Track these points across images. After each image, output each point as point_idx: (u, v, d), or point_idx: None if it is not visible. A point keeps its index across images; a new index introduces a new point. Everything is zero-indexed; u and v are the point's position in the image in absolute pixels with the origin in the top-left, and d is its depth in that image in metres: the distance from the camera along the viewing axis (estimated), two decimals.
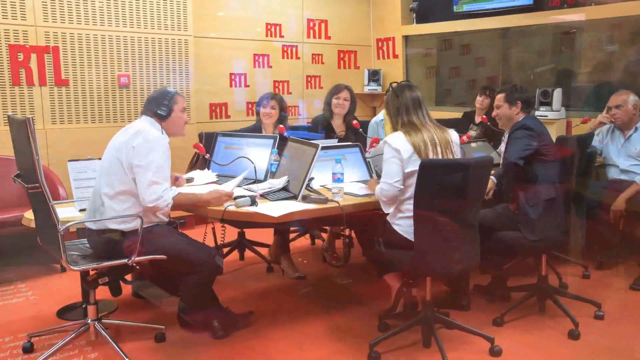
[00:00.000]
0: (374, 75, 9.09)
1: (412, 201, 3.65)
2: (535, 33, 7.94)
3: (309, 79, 8.66)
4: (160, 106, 4.04)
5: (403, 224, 3.81)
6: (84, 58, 6.44)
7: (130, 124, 4.07)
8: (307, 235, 6.55)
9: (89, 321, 4.07)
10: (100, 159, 4.08)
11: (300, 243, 6.47)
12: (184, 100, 4.16)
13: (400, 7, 8.94)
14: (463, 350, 4.01)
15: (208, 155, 4.91)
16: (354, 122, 5.82)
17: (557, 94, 6.84)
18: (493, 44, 8.60)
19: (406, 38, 9.08)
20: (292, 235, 6.30)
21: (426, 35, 9.06)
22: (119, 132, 4.05)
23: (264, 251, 5.85)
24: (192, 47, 7.23)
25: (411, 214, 3.65)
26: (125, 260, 3.79)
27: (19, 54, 6.01)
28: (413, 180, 3.64)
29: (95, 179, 4.14)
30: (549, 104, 6.87)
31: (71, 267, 3.75)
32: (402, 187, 3.75)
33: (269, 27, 8.15)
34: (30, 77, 6.10)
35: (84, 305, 4.36)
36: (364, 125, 6.05)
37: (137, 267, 3.94)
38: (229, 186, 4.18)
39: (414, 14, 8.91)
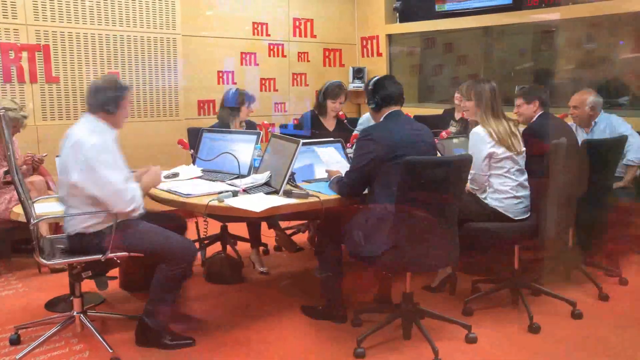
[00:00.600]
0: (359, 73, 9.34)
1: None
2: (516, 31, 8.20)
3: (295, 76, 8.92)
4: (109, 102, 3.97)
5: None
6: (74, 56, 6.69)
7: (69, 130, 4.02)
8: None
9: (74, 313, 4.20)
10: None
11: (298, 239, 6.57)
12: (132, 96, 4.17)
13: (384, 7, 9.17)
14: (441, 339, 4.15)
15: (192, 151, 5.08)
16: (340, 113, 6.07)
17: None
18: (475, 42, 8.85)
19: (389, 37, 9.32)
20: (289, 232, 6.49)
21: (409, 34, 9.29)
22: (64, 137, 4.02)
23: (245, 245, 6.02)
24: (180, 46, 7.50)
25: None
26: (99, 257, 3.89)
27: (10, 52, 6.23)
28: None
29: None
30: None
31: (44, 261, 3.92)
32: None
33: (255, 26, 8.39)
34: (22, 74, 6.33)
35: (71, 298, 4.44)
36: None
37: (119, 261, 4.09)
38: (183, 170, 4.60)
39: (398, 13, 9.14)
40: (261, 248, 6.05)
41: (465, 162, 4.02)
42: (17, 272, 5.65)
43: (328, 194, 4.29)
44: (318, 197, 4.16)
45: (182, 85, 7.64)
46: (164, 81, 7.47)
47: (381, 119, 4.17)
